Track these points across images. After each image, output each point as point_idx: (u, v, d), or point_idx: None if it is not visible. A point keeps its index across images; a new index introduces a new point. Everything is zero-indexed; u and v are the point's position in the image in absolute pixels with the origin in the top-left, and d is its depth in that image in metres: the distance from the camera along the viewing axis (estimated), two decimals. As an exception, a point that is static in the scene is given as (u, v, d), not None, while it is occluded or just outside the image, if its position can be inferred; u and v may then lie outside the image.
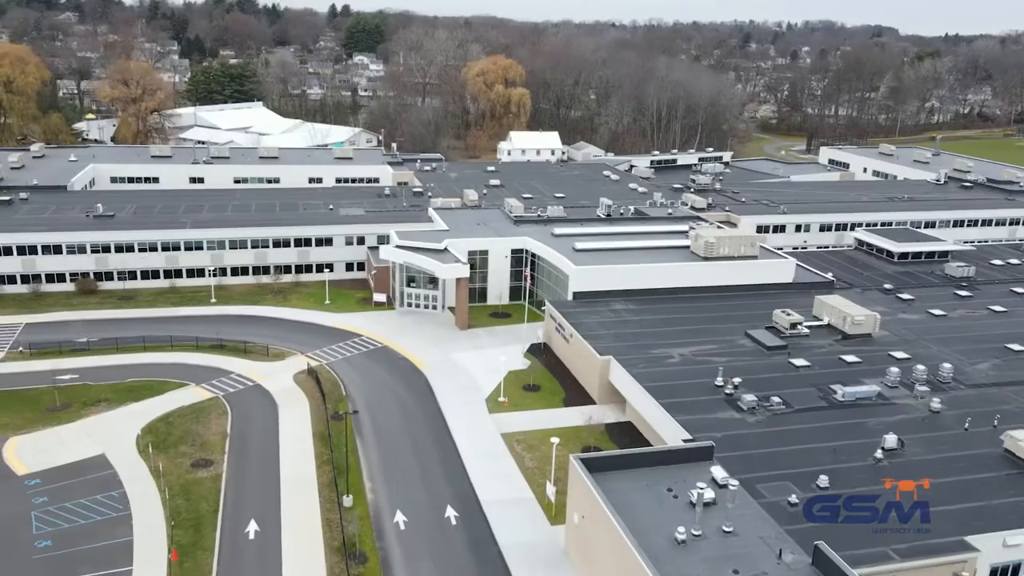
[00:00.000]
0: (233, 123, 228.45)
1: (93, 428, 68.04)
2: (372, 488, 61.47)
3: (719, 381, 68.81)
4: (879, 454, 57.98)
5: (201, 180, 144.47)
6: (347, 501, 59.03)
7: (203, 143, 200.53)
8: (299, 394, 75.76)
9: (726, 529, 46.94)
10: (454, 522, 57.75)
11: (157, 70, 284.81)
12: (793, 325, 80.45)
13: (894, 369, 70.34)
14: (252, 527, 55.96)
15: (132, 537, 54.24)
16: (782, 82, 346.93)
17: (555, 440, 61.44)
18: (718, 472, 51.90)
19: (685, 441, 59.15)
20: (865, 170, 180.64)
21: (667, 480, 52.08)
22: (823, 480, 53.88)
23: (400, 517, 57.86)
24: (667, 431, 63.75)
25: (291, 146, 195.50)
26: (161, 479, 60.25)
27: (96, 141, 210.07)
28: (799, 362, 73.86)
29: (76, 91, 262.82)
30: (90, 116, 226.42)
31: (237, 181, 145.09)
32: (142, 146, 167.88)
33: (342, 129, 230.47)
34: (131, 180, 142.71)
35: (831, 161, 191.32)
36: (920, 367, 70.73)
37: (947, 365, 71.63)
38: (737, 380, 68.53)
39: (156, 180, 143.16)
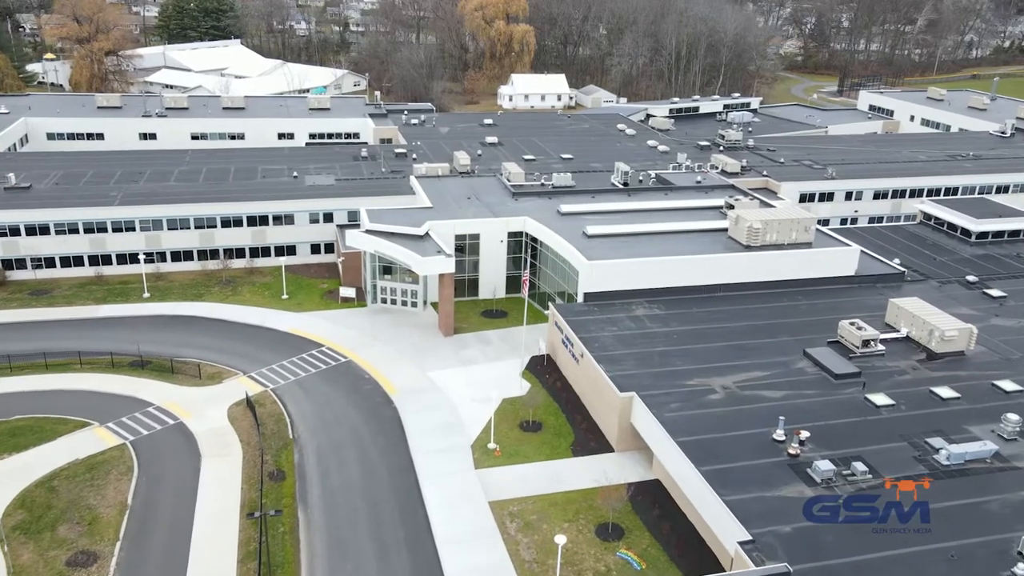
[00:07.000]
0: (206, 64, 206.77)
1: (-52, 500, 51.50)
2: (311, 599, 45.06)
3: (779, 435, 51.61)
4: (1020, 569, 40.95)
5: (153, 136, 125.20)
6: (272, 627, 42.70)
7: (171, 87, 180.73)
8: (232, 438, 58.81)
9: None
10: (420, 660, 41.45)
11: (126, 3, 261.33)
12: (866, 343, 62.80)
13: (1013, 416, 52.96)
14: (132, 678, 39.70)
15: None
16: (807, 13, 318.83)
17: (560, 540, 44.38)
18: (802, 625, 35.09)
19: (743, 545, 42.26)
20: (912, 118, 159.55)
21: (725, 630, 35.47)
22: (951, 626, 37.17)
23: (345, 653, 41.56)
24: (713, 516, 46.81)
25: (267, 91, 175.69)
26: (18, 592, 43.96)
27: (53, 85, 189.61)
28: (880, 400, 56.44)
29: (37, 28, 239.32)
30: (50, 56, 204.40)
31: (195, 137, 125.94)
32: (87, 95, 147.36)
33: (323, 71, 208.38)
34: (71, 137, 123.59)
35: (872, 107, 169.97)
36: (1046, 412, 53.44)
37: (1079, 408, 54.23)
38: (805, 434, 51.39)
39: (101, 136, 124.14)
